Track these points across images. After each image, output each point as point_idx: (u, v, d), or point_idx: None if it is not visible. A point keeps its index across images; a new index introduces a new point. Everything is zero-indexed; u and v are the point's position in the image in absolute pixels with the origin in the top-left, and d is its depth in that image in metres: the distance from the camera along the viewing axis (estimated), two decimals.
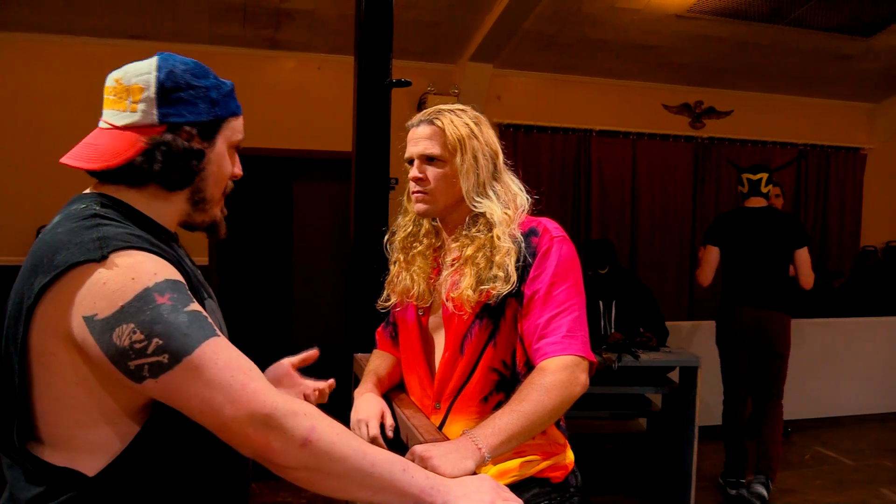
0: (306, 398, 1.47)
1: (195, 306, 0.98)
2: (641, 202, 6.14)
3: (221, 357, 0.96)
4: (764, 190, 3.97)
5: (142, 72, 1.10)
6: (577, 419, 4.02)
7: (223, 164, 1.18)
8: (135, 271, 0.96)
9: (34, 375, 0.99)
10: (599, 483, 4.08)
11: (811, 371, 5.24)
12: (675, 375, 4.00)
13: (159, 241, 1.08)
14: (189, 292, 1.00)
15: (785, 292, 3.94)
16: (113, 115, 1.11)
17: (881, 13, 4.82)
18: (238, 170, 1.24)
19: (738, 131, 6.31)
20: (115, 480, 1.00)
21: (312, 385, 1.49)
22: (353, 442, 1.00)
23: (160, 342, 0.93)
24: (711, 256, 4.01)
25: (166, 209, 1.15)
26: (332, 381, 1.53)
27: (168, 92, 1.09)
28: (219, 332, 0.99)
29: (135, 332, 0.93)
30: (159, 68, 1.10)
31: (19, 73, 4.81)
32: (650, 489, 4.04)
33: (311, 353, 1.53)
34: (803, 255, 3.88)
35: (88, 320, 0.94)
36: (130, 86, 1.09)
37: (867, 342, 5.53)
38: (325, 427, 0.98)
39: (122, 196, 1.10)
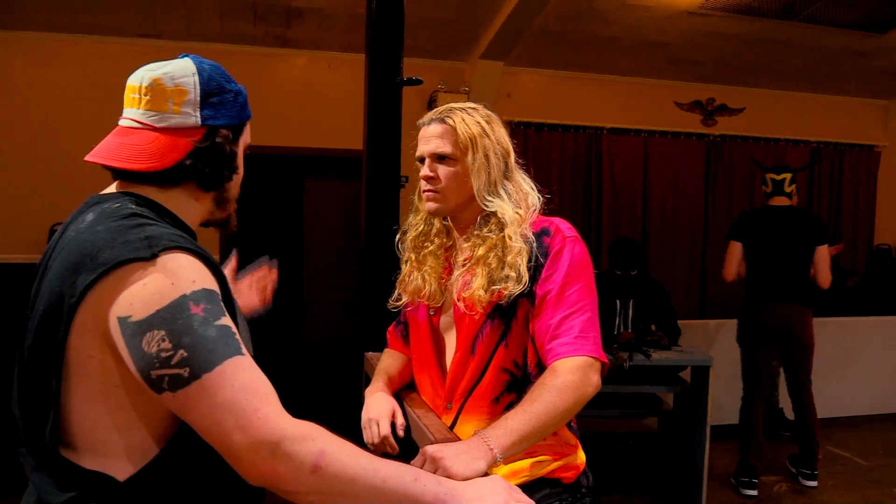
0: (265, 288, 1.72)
1: (226, 320, 0.98)
2: (653, 200, 6.11)
3: (239, 378, 0.94)
4: (787, 189, 4.06)
5: (182, 74, 1.12)
6: (588, 418, 4.01)
7: (241, 165, 1.24)
8: (175, 276, 0.95)
9: (71, 376, 0.98)
10: (611, 482, 4.06)
11: (824, 370, 5.18)
12: (686, 375, 3.99)
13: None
14: (222, 303, 1.00)
15: (808, 288, 4.04)
16: (148, 115, 1.11)
17: (895, 10, 4.77)
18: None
19: (750, 129, 6.27)
20: (147, 486, 1.00)
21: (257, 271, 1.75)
22: (363, 460, 0.99)
23: (185, 354, 0.92)
24: (735, 252, 4.08)
25: (194, 209, 1.17)
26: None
27: (209, 95, 1.12)
28: (244, 349, 0.98)
29: (164, 340, 0.92)
30: (200, 72, 1.13)
31: (31, 72, 4.84)
32: (661, 489, 4.02)
33: (232, 262, 1.74)
34: (823, 253, 3.98)
35: (122, 321, 0.94)
36: (172, 88, 1.10)
37: (881, 341, 5.49)
38: (334, 450, 0.97)
39: (150, 195, 1.11)
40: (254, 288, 1.71)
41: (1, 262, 4.62)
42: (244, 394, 0.94)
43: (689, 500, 3.76)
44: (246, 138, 1.23)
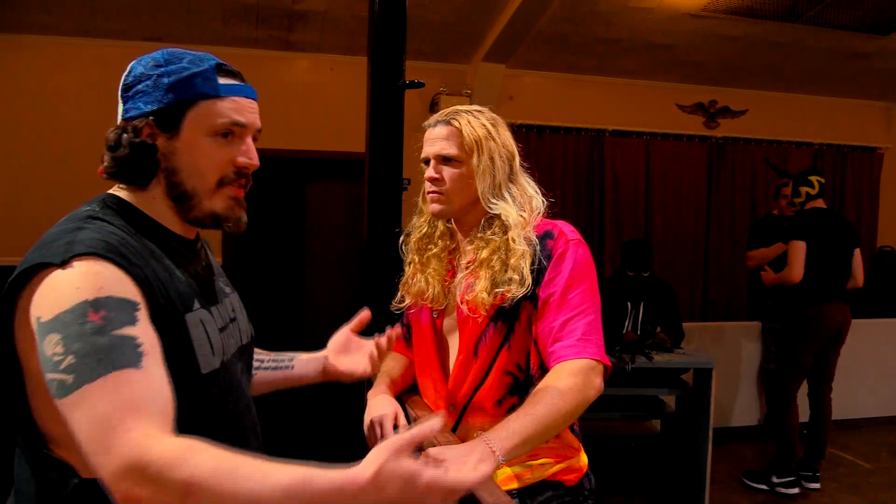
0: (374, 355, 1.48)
1: (129, 330, 0.94)
2: (655, 202, 6.11)
3: (121, 393, 0.88)
4: (823, 194, 4.15)
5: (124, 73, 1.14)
6: (590, 421, 4.01)
7: (198, 153, 1.11)
8: (82, 281, 0.94)
9: (24, 370, 1.00)
10: (613, 485, 4.06)
11: None
12: (689, 377, 3.98)
13: (158, 246, 1.08)
14: (136, 313, 0.96)
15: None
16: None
17: None
18: (243, 158, 1.15)
19: (752, 131, 6.26)
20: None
21: (376, 341, 1.48)
22: (241, 474, 0.86)
23: (73, 361, 0.89)
24: (803, 251, 4.02)
25: (157, 208, 1.13)
26: (394, 331, 1.51)
27: (129, 87, 1.10)
28: (144, 362, 0.92)
29: (58, 344, 0.90)
30: (131, 67, 1.12)
31: (34, 76, 4.84)
32: (664, 491, 4.01)
33: (364, 315, 1.52)
34: (859, 255, 4.16)
35: (37, 321, 0.94)
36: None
37: (884, 343, 5.48)
38: (204, 474, 0.85)
39: (126, 197, 1.12)
40: (366, 353, 1.50)
41: (3, 265, 4.63)
42: (120, 411, 0.87)
43: (691, 503, 3.75)
44: (203, 120, 1.10)
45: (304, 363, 1.51)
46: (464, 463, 1.18)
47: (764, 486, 4.07)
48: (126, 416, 0.87)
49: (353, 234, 6.04)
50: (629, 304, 4.24)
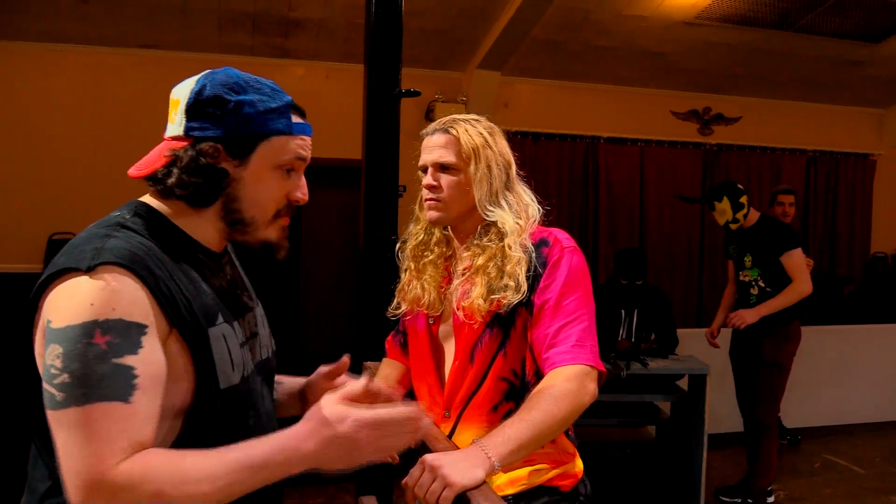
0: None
1: (130, 359, 0.94)
2: (649, 209, 6.14)
3: (102, 425, 0.91)
4: None
5: (187, 84, 1.11)
6: (586, 427, 4.01)
7: (261, 185, 1.12)
8: (99, 297, 0.94)
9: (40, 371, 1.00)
10: (608, 491, 4.06)
11: (820, 379, 5.22)
12: (684, 383, 3.99)
13: (185, 258, 1.08)
14: (142, 338, 0.96)
15: None
16: (167, 127, 1.13)
17: (890, 19, 4.81)
18: (299, 193, 1.17)
19: (746, 138, 6.30)
20: None
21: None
22: (188, 459, 0.94)
23: (67, 380, 0.91)
24: (804, 258, 3.82)
25: (200, 225, 1.13)
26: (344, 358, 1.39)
27: (198, 106, 1.08)
28: (134, 396, 0.93)
29: (58, 357, 0.92)
30: (198, 81, 1.10)
31: (30, 82, 4.84)
32: (659, 497, 4.02)
33: (343, 362, 1.39)
34: None
35: (47, 324, 0.95)
36: (174, 99, 1.11)
37: (877, 349, 5.50)
38: (168, 488, 0.91)
39: (160, 207, 1.11)
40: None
41: (2, 272, 4.63)
42: (98, 442, 0.91)
43: None
44: (273, 155, 1.11)
45: (285, 399, 1.41)
46: (459, 468, 1.19)
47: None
48: (103, 446, 0.91)
49: (349, 240, 6.04)
50: (623, 311, 4.26)
